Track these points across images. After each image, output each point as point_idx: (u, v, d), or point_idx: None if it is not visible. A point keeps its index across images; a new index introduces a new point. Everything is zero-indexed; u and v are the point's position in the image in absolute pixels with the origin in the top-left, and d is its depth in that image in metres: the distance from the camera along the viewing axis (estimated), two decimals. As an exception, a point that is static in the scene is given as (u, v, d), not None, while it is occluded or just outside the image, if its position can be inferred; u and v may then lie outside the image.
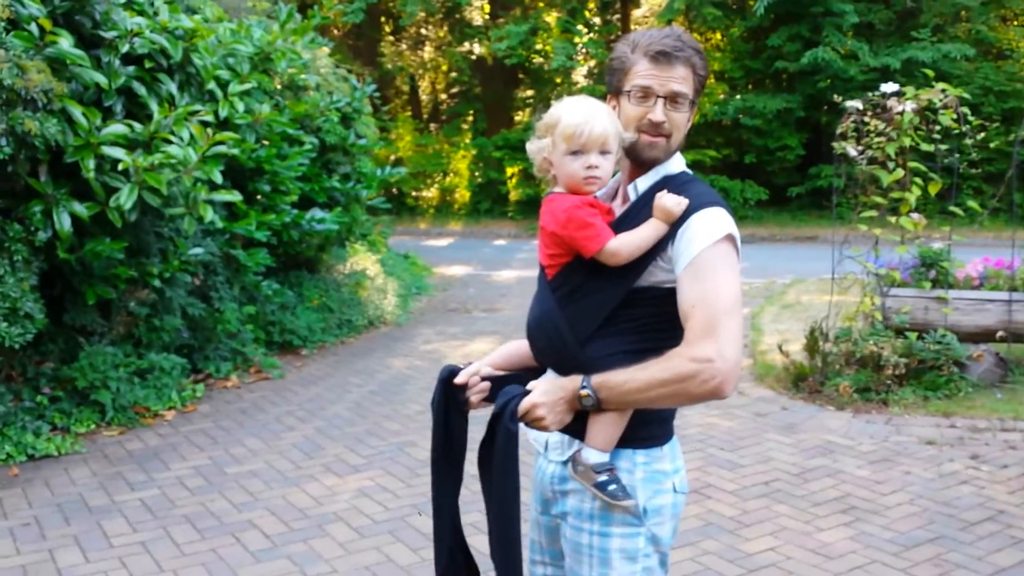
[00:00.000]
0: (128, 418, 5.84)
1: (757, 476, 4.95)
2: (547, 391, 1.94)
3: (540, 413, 1.93)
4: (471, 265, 14.24)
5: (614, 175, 2.09)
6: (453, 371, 2.13)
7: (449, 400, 2.11)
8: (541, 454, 2.15)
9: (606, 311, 1.96)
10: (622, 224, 1.97)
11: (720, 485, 4.81)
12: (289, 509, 4.54)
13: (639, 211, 1.99)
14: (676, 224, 1.92)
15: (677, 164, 2.07)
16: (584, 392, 1.90)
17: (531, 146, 2.05)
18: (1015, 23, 20.20)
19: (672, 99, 1.97)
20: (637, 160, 2.03)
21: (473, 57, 22.28)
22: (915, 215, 6.36)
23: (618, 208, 2.07)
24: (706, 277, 1.87)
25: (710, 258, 1.88)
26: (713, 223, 1.91)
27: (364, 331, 8.97)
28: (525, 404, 1.93)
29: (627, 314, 1.95)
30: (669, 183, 2.01)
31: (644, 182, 2.04)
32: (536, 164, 2.05)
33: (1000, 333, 6.36)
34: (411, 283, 11.38)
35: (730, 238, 1.92)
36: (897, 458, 5.19)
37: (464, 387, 2.11)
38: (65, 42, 4.98)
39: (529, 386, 1.98)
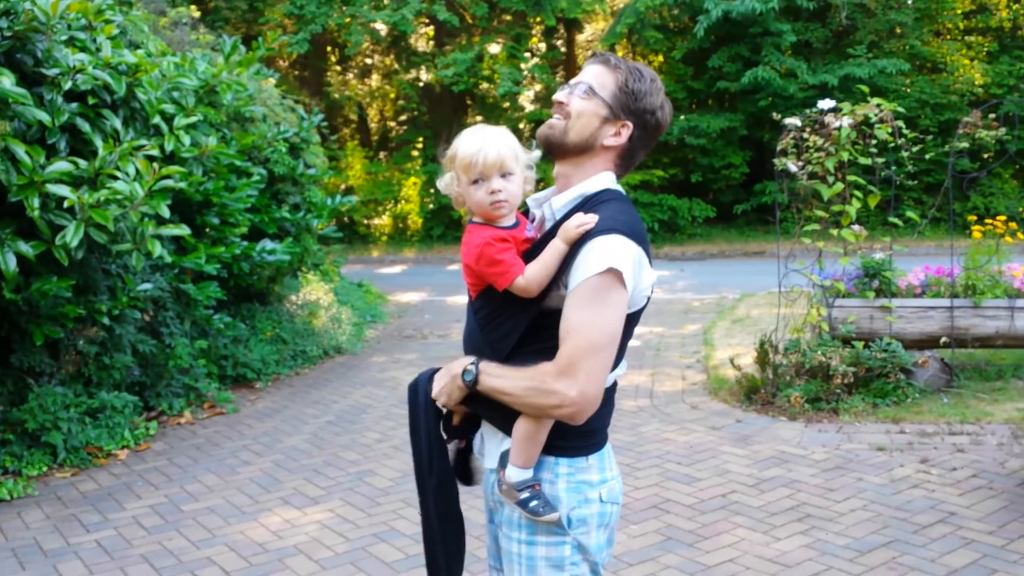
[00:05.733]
0: (80, 459, 5.75)
1: (714, 489, 5.02)
2: (439, 378, 2.16)
3: (435, 396, 2.15)
4: (425, 291, 14.24)
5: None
6: (433, 370, 2.23)
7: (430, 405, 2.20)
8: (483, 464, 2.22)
9: (519, 333, 2.01)
10: (538, 247, 1.99)
11: (678, 499, 4.87)
12: (248, 544, 4.49)
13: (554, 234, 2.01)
14: (578, 245, 1.93)
15: (597, 183, 2.06)
16: (469, 366, 2.04)
17: (441, 183, 2.08)
18: (948, 37, 20.80)
19: (580, 87, 2.07)
20: (546, 147, 2.09)
21: (420, 84, 22.38)
22: (856, 227, 6.52)
23: (541, 229, 2.10)
24: (585, 306, 1.90)
25: (590, 289, 1.89)
26: (604, 252, 1.89)
27: (319, 361, 8.93)
28: (432, 392, 2.16)
29: (543, 334, 1.98)
30: (587, 203, 2.03)
31: (560, 200, 2.06)
32: (452, 198, 2.09)
33: (944, 339, 6.54)
34: (365, 311, 11.36)
35: (613, 272, 1.89)
36: (849, 465, 5.29)
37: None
38: (7, 80, 4.92)
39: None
